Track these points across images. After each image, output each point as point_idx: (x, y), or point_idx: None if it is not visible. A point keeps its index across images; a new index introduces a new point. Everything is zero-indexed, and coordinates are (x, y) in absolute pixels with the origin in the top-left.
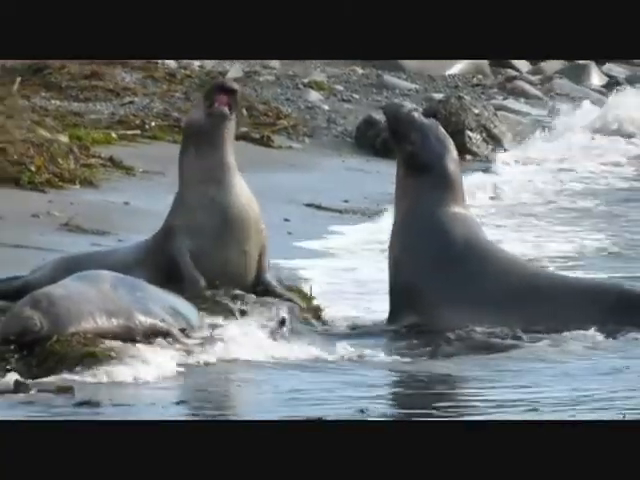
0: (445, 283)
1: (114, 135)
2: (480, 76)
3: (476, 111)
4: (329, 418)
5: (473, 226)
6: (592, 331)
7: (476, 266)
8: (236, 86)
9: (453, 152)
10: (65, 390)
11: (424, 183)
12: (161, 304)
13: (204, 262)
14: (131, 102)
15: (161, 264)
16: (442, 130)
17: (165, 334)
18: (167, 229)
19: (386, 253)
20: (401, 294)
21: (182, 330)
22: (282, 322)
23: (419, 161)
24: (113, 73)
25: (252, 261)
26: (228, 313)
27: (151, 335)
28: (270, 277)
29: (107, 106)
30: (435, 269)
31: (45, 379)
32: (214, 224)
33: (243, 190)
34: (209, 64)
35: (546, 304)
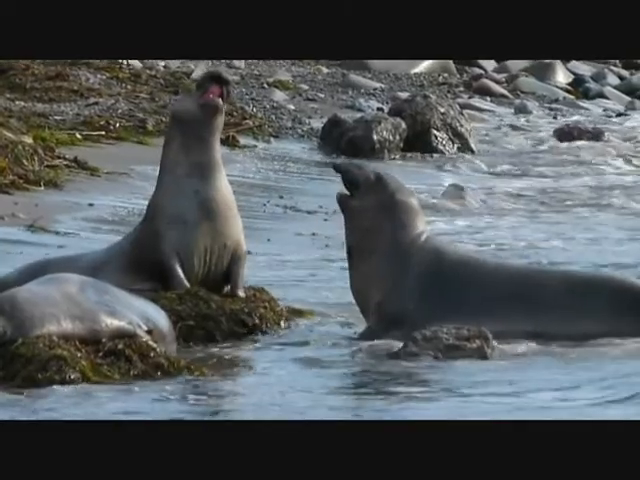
0: (441, 300)
1: (79, 136)
2: (446, 75)
3: (442, 110)
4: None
5: (447, 242)
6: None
7: (467, 275)
8: (229, 77)
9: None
10: None
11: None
12: (129, 307)
13: (188, 256)
14: (96, 103)
15: (141, 264)
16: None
17: (132, 336)
18: (151, 232)
19: None
20: (389, 317)
21: (149, 332)
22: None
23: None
24: (78, 74)
25: (229, 259)
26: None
27: (117, 337)
28: (241, 292)
29: (72, 107)
30: (428, 288)
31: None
32: (196, 215)
33: (226, 185)
34: (174, 64)
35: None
